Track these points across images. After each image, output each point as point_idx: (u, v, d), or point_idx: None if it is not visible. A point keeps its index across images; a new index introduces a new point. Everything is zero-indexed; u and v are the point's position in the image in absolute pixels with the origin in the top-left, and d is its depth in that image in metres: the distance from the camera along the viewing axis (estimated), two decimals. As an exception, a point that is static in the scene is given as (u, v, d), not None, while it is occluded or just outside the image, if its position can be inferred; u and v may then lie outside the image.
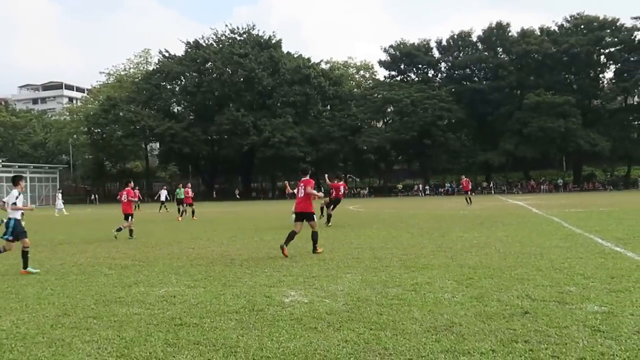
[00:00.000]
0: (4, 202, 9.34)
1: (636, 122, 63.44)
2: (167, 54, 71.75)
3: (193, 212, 24.81)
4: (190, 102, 70.98)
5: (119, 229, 15.08)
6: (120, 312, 5.92)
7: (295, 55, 71.47)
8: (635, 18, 59.82)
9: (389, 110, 66.87)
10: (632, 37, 61.15)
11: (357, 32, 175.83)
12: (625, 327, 4.74)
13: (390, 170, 72.31)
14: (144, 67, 78.24)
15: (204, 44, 70.63)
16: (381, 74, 76.31)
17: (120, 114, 66.21)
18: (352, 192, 64.65)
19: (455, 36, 67.92)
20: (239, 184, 73.91)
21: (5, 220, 9.15)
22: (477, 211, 23.50)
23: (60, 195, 32.17)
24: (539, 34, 64.39)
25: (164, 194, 32.38)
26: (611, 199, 31.85)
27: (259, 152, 64.02)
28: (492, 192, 58.06)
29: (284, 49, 72.22)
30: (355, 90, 73.98)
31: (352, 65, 79.72)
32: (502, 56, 65.91)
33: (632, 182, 59.51)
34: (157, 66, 71.96)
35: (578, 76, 64.16)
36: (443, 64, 70.40)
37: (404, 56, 69.03)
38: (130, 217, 15.37)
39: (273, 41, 71.27)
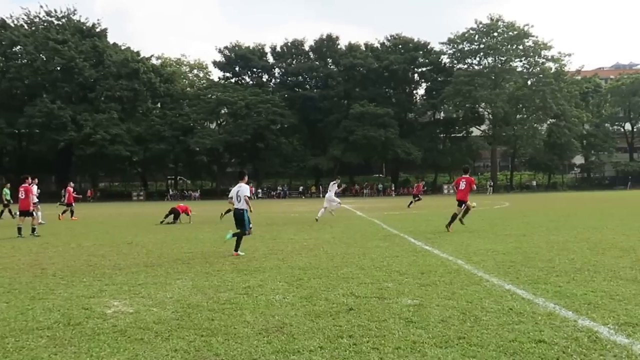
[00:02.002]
0: (230, 197, 10.67)
1: (442, 135, 71.75)
2: (-38, 32, 62.15)
3: (72, 212, 24.08)
4: (-8, 90, 62.34)
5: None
6: None
7: (123, 48, 67.25)
8: (442, 43, 68.05)
9: (223, 111, 66.43)
10: (440, 60, 69.36)
11: (191, 30, 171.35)
12: (433, 317, 5.29)
13: (223, 172, 71.75)
14: None
15: (12, 24, 62.57)
16: (216, 74, 75.63)
17: None
18: (183, 195, 62.87)
19: (289, 44, 70.07)
20: (51, 184, 66.86)
21: None
22: (307, 214, 24.42)
23: None
24: (364, 49, 69.47)
25: None
26: (422, 203, 35.40)
27: (78, 149, 58.89)
28: (321, 195, 60.82)
29: (110, 40, 67.53)
30: (188, 89, 72.14)
31: (185, 63, 77.57)
32: (332, 67, 69.66)
33: (438, 188, 67.13)
34: (-52, 45, 61.95)
35: (396, 91, 70.57)
36: (277, 70, 72.13)
37: (239, 59, 69.21)
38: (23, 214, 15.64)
39: (97, 30, 66.13)
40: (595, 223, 15.67)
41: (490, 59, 66.31)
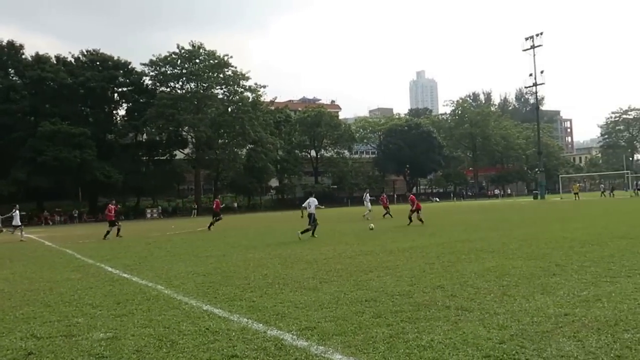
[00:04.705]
0: (305, 206, 17.99)
1: (145, 158, 70.05)
2: None
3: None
4: None
5: None
6: None
7: None
8: (144, 65, 66.82)
9: None
10: (142, 81, 67.89)
11: None
12: (127, 348, 5.01)
13: None
14: None
15: None
16: None
17: None
18: None
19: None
20: None
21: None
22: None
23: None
24: (55, 62, 63.15)
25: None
26: (95, 230, 33.71)
27: None
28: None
29: None
30: None
31: None
32: (15, 78, 61.02)
33: (141, 212, 65.08)
34: None
35: (94, 110, 65.96)
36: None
37: None
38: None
39: None
40: (286, 239, 17.41)
41: (192, 84, 67.99)
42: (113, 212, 23.55)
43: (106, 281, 9.58)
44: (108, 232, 22.70)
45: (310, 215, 17.52)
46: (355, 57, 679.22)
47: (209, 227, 26.18)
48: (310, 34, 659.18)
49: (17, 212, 26.13)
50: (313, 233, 17.32)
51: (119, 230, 23.41)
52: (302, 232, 16.95)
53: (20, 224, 25.96)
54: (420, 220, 21.36)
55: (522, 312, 5.68)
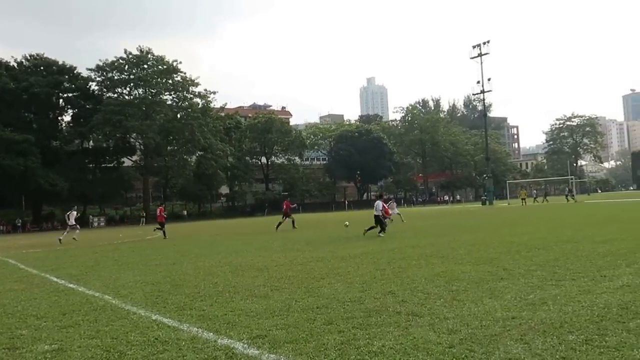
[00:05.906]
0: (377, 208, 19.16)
1: (91, 165, 67.87)
2: None
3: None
4: None
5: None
6: None
7: None
8: (90, 70, 64.94)
9: None
10: (88, 87, 65.92)
11: None
12: (73, 360, 4.86)
13: None
14: None
15: None
16: None
17: None
18: None
19: None
20: None
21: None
22: None
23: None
24: (-3, 67, 60.58)
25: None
26: (39, 240, 32.55)
27: None
28: None
29: None
30: None
31: None
32: (-48, 83, 58.16)
33: (87, 221, 62.82)
34: None
35: (38, 116, 63.52)
36: None
37: None
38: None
39: None
40: (237, 247, 17.24)
41: (141, 90, 66.55)
42: (162, 213, 25.52)
43: (51, 292, 9.25)
44: (159, 229, 25.15)
45: (376, 217, 19.07)
46: (306, 64, 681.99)
47: (293, 226, 26.72)
48: (261, 41, 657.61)
49: (75, 212, 26.64)
50: (383, 231, 18.66)
51: (164, 233, 24.75)
52: (382, 232, 18.52)
53: (74, 223, 26.30)
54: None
55: (471, 316, 5.78)
